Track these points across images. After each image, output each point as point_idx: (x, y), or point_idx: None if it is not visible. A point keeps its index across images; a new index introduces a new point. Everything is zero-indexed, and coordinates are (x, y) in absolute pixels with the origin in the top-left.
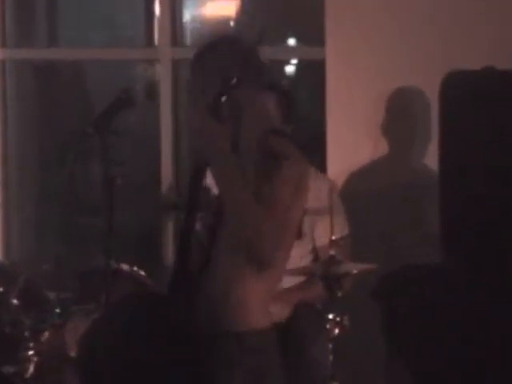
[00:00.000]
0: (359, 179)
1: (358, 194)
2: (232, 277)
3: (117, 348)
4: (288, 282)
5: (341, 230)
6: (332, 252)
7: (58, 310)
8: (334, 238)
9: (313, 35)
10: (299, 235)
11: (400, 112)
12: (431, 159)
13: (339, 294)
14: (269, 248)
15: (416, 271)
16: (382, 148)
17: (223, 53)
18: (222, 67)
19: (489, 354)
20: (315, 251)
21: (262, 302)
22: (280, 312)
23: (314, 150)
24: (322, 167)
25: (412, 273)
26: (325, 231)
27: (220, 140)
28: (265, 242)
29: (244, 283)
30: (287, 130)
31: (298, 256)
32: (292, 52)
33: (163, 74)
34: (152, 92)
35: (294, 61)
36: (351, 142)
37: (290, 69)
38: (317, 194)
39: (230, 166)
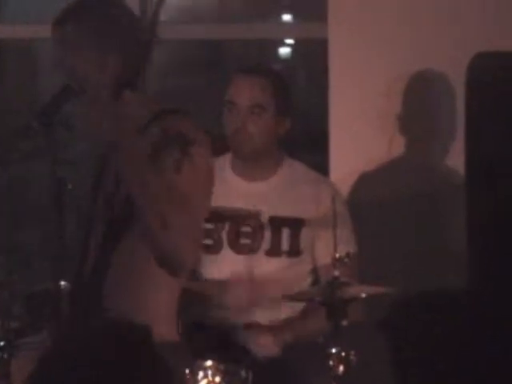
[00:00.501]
0: (369, 184)
1: (367, 202)
2: (139, 284)
3: None
4: (284, 309)
5: (347, 245)
6: (336, 273)
7: (1, 344)
8: (338, 255)
9: (312, 9)
10: (296, 253)
11: (419, 101)
12: (457, 159)
13: (344, 324)
14: (179, 244)
15: (434, 298)
16: (397, 146)
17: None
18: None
19: None
20: (315, 272)
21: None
22: (275, 349)
23: (314, 148)
24: (323, 169)
25: (429, 300)
26: (327, 247)
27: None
28: (174, 237)
29: (152, 291)
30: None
31: (295, 277)
32: (288, 30)
33: None
34: None
35: (290, 40)
36: (359, 138)
37: (285, 50)
38: (317, 202)
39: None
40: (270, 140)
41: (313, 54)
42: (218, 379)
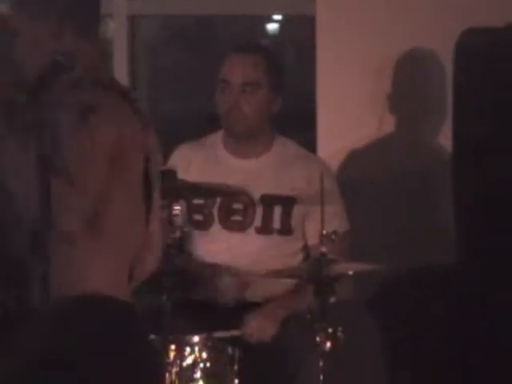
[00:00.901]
0: (358, 163)
1: (357, 180)
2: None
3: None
4: (276, 284)
5: (336, 223)
6: (323, 249)
7: None
8: (325, 232)
9: None
10: (287, 231)
11: (408, 79)
12: (446, 138)
13: (332, 301)
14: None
15: (421, 275)
16: (387, 124)
17: None
18: None
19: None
20: (306, 250)
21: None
22: (267, 330)
23: (302, 126)
24: (311, 147)
25: (416, 277)
26: (318, 225)
27: None
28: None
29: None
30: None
31: (286, 255)
32: (275, 6)
33: (118, 32)
34: (104, 54)
35: (278, 16)
36: (348, 117)
37: (272, 26)
38: (308, 180)
39: None
40: (263, 118)
41: (301, 30)
42: (204, 355)
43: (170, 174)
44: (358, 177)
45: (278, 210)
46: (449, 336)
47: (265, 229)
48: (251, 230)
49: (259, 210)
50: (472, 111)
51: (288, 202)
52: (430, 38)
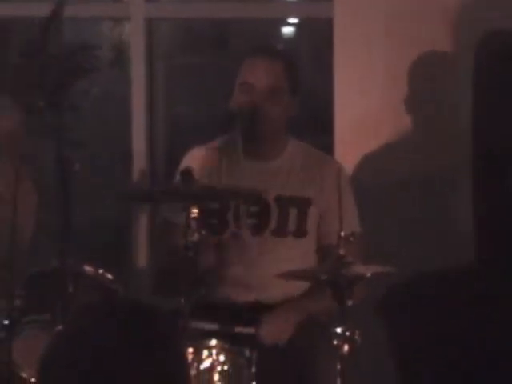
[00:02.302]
0: (375, 165)
1: (374, 183)
2: None
3: (86, 370)
4: (291, 287)
5: (352, 225)
6: (341, 251)
7: (5, 322)
8: (343, 234)
9: None
10: (302, 233)
11: (426, 83)
12: (464, 141)
13: (350, 304)
14: None
15: (435, 279)
16: (404, 127)
17: None
18: None
19: None
20: (321, 252)
21: None
22: (281, 333)
23: (319, 129)
24: (328, 150)
25: (429, 281)
26: (332, 227)
27: None
28: None
29: None
30: None
31: (301, 257)
32: (291, 8)
33: (135, 35)
34: (120, 56)
35: (294, 19)
36: (365, 120)
37: (288, 30)
38: (322, 181)
39: None
40: (283, 121)
41: (317, 34)
42: (222, 358)
43: (187, 175)
44: (375, 180)
45: (293, 212)
46: (468, 342)
47: (280, 231)
48: (267, 233)
49: (274, 212)
50: (493, 116)
51: (303, 204)
52: (450, 40)
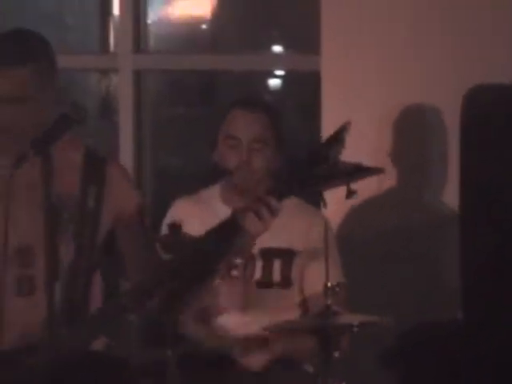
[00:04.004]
0: (361, 219)
1: (361, 235)
2: None
3: None
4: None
5: (336, 276)
6: (328, 301)
7: None
8: (329, 284)
9: (304, 41)
10: (287, 284)
11: (411, 135)
12: (451, 194)
13: (336, 355)
14: None
15: (435, 329)
16: (389, 180)
17: None
18: None
19: None
20: (304, 303)
21: None
22: (257, 360)
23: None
24: (316, 204)
25: (431, 331)
26: (316, 278)
27: None
28: None
29: None
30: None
31: (286, 309)
32: (279, 61)
33: (123, 86)
34: (107, 108)
35: (280, 72)
36: None
37: (274, 82)
38: (307, 233)
39: None
40: (266, 174)
41: (304, 86)
42: None
43: (176, 228)
44: (362, 234)
45: (277, 263)
46: None
47: (265, 283)
48: (252, 285)
49: (259, 264)
50: (480, 165)
51: (288, 255)
52: (437, 93)
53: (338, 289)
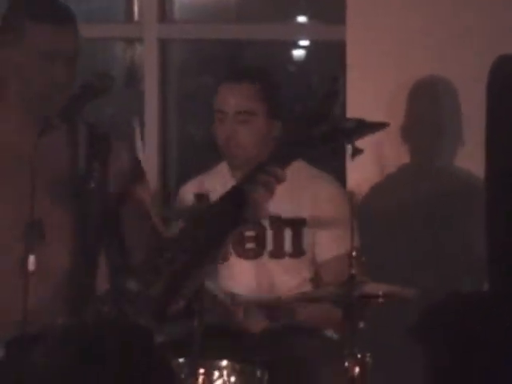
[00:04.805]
0: (386, 188)
1: (385, 206)
2: None
3: None
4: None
5: (343, 246)
6: (353, 271)
7: None
8: (354, 253)
9: (329, 10)
10: (299, 253)
11: (437, 104)
12: (477, 163)
13: (361, 325)
14: None
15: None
16: (413, 149)
17: None
18: None
19: None
20: (317, 271)
21: None
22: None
23: (329, 155)
24: (340, 175)
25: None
26: (327, 245)
27: None
28: None
29: None
30: None
31: (299, 279)
32: (302, 31)
33: (148, 56)
34: (132, 77)
35: (305, 42)
36: (377, 141)
37: (298, 52)
38: (317, 199)
39: None
40: (263, 145)
41: (328, 56)
42: (233, 379)
43: (203, 199)
44: (386, 203)
45: (288, 233)
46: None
47: (277, 253)
48: (265, 256)
49: (270, 234)
50: (506, 137)
51: (298, 224)
52: (462, 62)
53: (364, 258)
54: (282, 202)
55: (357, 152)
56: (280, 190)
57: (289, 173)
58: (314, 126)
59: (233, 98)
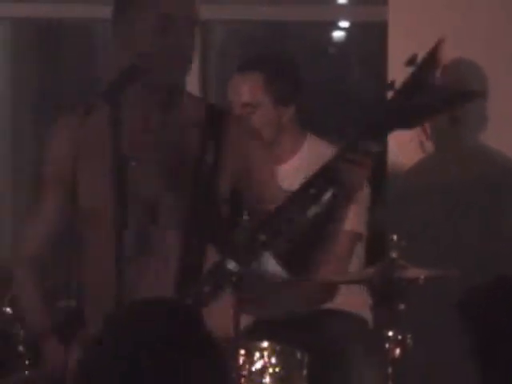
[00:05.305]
0: (429, 167)
1: (429, 187)
2: None
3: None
4: None
5: (355, 224)
6: (393, 255)
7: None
8: (395, 237)
9: None
10: None
11: (479, 88)
12: None
13: (402, 307)
14: None
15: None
16: (462, 133)
17: None
18: None
19: None
20: None
21: None
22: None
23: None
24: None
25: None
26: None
27: None
28: None
29: None
30: None
31: None
32: (344, 12)
33: None
34: None
35: (345, 23)
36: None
37: (338, 34)
38: None
39: None
40: (274, 131)
41: (369, 38)
42: (274, 360)
43: None
44: (429, 186)
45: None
46: None
47: None
48: None
49: None
50: None
51: None
52: (508, 48)
53: (403, 242)
54: (296, 177)
55: (455, 121)
56: (302, 169)
57: (308, 153)
58: (412, 96)
59: (238, 90)
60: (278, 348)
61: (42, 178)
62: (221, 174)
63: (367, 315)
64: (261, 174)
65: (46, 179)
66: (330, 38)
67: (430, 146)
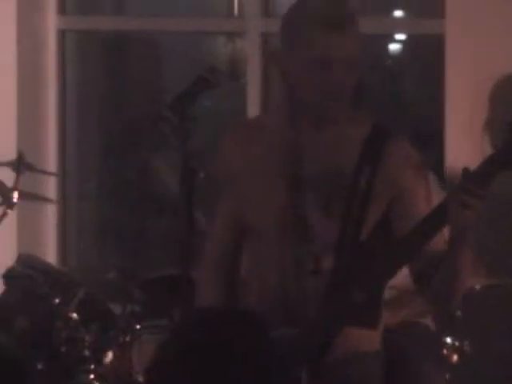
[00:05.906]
0: None
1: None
2: None
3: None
4: None
5: None
6: None
7: (123, 326)
8: None
9: (424, 4)
10: None
11: None
12: None
13: (459, 313)
14: None
15: None
16: None
17: None
18: None
19: None
20: None
21: None
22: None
23: (426, 146)
24: (435, 166)
25: None
26: None
27: None
28: None
29: None
30: None
31: None
32: (401, 25)
33: (251, 50)
34: (234, 71)
35: (402, 36)
36: (476, 135)
37: (394, 46)
38: None
39: None
40: None
41: (425, 50)
42: None
43: None
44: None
45: None
46: None
47: None
48: None
49: None
50: None
51: None
52: None
53: None
54: None
55: None
56: None
57: None
58: None
59: None
60: None
61: (215, 188)
62: (373, 200)
63: (429, 322)
64: (413, 207)
65: (219, 189)
66: (386, 51)
67: None
